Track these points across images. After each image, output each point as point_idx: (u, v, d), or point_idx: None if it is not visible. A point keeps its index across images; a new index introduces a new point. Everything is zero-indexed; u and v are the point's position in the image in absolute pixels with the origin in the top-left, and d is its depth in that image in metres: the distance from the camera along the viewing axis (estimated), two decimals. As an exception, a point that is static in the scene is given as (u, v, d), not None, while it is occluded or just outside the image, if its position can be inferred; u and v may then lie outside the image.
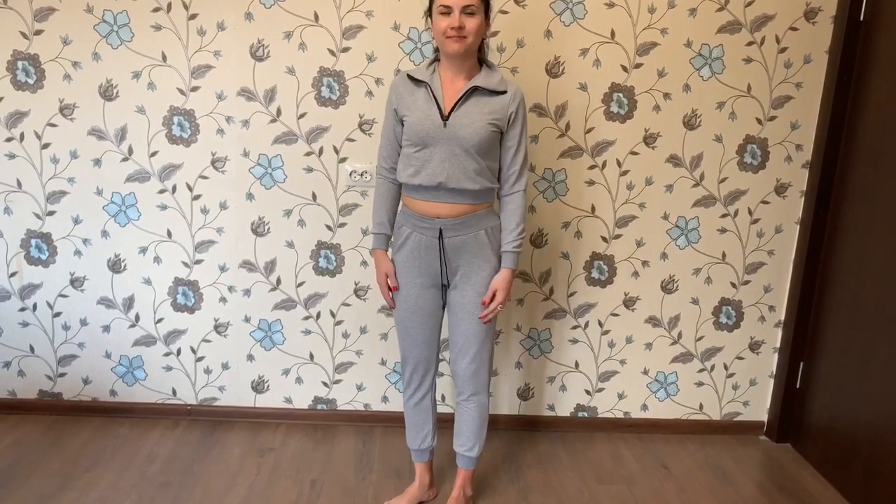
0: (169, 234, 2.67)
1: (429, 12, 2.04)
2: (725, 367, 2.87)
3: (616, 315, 2.80)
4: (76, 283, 2.72)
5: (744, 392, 2.90)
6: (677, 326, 2.82)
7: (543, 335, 2.81)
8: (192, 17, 2.48)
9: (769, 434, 2.90)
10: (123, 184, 2.62)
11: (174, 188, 2.63)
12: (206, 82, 2.54)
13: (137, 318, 2.75)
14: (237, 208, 2.65)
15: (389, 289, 2.18)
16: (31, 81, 2.53)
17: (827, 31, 2.56)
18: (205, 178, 2.62)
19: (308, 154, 2.61)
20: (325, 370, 2.82)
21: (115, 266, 2.70)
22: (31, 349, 2.77)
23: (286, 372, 2.82)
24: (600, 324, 2.81)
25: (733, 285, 2.79)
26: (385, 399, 2.85)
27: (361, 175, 2.61)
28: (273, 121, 2.58)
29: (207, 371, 2.81)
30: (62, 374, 2.80)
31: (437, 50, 2.07)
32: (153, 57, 2.52)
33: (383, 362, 2.81)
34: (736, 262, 2.77)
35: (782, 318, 2.83)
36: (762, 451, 2.81)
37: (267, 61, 2.52)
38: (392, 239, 2.19)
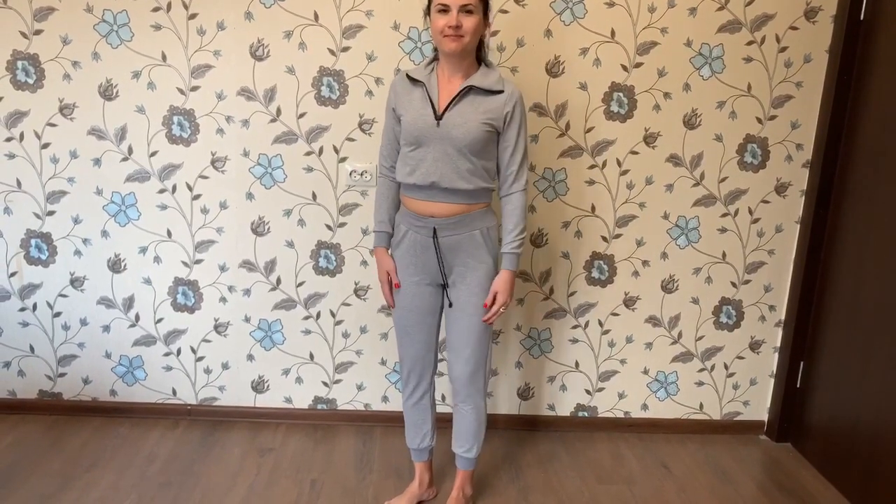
0: (169, 233, 2.67)
1: (428, 11, 2.03)
2: (726, 367, 2.87)
3: (616, 315, 2.80)
4: (76, 282, 2.71)
5: (744, 392, 2.90)
6: (677, 326, 2.82)
7: (543, 335, 2.81)
8: (192, 16, 2.48)
9: (769, 434, 2.90)
10: (123, 183, 2.62)
11: (174, 188, 2.63)
12: (206, 82, 2.54)
13: (137, 317, 2.75)
14: (237, 208, 2.65)
15: (391, 287, 2.19)
16: (30, 81, 2.53)
17: (827, 30, 2.56)
18: (205, 177, 2.62)
19: (308, 154, 2.60)
20: (325, 370, 2.82)
21: (115, 266, 2.70)
22: (31, 349, 2.77)
23: (286, 372, 2.81)
24: (600, 323, 2.81)
25: (733, 285, 2.79)
26: (385, 399, 2.85)
27: (361, 175, 2.61)
28: (273, 120, 2.58)
29: (207, 371, 2.81)
30: (62, 374, 2.80)
31: (436, 49, 2.07)
32: (153, 56, 2.52)
33: (383, 362, 2.81)
34: (736, 261, 2.77)
35: (782, 317, 2.83)
36: (762, 451, 2.81)
37: (267, 61, 2.52)
38: (392, 237, 2.20)
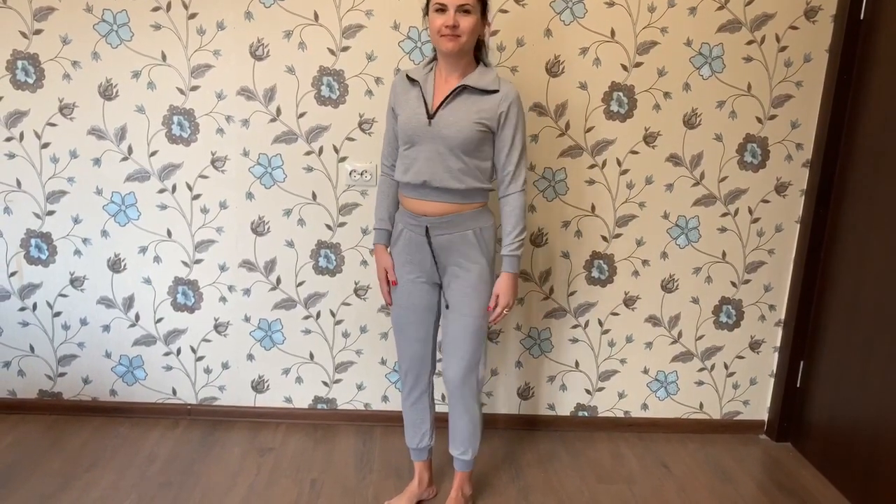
0: (169, 233, 2.67)
1: (426, 10, 2.03)
2: (726, 367, 2.87)
3: (616, 314, 2.80)
4: (76, 282, 2.71)
5: (744, 391, 2.90)
6: (677, 325, 2.82)
7: (543, 334, 2.81)
8: (192, 16, 2.48)
9: (769, 433, 2.90)
10: (123, 183, 2.62)
11: (174, 188, 2.63)
12: (206, 82, 2.54)
13: (137, 317, 2.75)
14: (237, 208, 2.65)
15: (389, 285, 2.21)
16: (30, 81, 2.53)
17: (827, 29, 2.56)
18: (204, 177, 2.62)
19: (308, 153, 2.60)
20: (325, 370, 2.82)
21: (115, 266, 2.70)
22: (31, 349, 2.77)
23: (286, 371, 2.82)
24: (600, 323, 2.81)
25: (733, 284, 2.79)
26: (385, 398, 2.85)
27: (361, 174, 2.61)
28: (273, 120, 2.58)
29: (207, 371, 2.81)
30: (62, 374, 2.80)
31: (436, 49, 2.07)
32: (153, 56, 2.52)
33: (383, 362, 2.81)
34: (736, 261, 2.77)
35: (782, 317, 2.83)
36: (762, 451, 2.81)
37: (267, 60, 2.52)
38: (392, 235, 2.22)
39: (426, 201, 2.07)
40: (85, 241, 2.67)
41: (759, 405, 2.92)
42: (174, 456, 2.58)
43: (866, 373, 2.41)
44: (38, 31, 2.49)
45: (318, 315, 2.76)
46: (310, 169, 2.62)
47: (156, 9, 2.47)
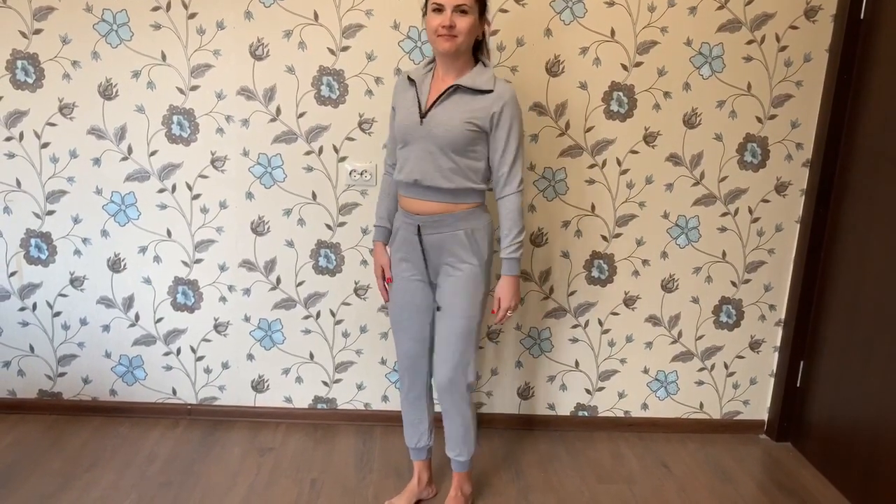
0: (169, 233, 2.67)
1: (425, 9, 2.03)
2: (726, 366, 2.87)
3: (616, 314, 2.80)
4: (76, 282, 2.71)
5: (744, 391, 2.90)
6: (677, 325, 2.82)
7: (543, 334, 2.81)
8: (192, 16, 2.48)
9: (769, 433, 2.90)
10: (123, 183, 2.62)
11: (174, 187, 2.63)
12: (206, 81, 2.54)
13: (137, 317, 2.75)
14: (237, 207, 2.65)
15: (385, 282, 2.24)
16: (30, 81, 2.53)
17: (827, 29, 2.56)
18: (204, 177, 2.62)
19: (308, 153, 2.60)
20: (325, 369, 2.82)
21: (115, 265, 2.70)
22: (31, 349, 2.77)
23: (286, 371, 2.81)
24: (600, 323, 2.81)
25: (733, 284, 2.79)
26: (385, 398, 2.85)
27: (361, 174, 2.61)
28: (273, 120, 2.57)
29: (207, 370, 2.81)
30: (62, 374, 2.80)
31: None
32: (152, 56, 2.51)
33: (383, 361, 2.81)
34: (736, 260, 2.77)
35: (782, 316, 2.83)
36: (762, 450, 2.81)
37: (266, 60, 2.52)
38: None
39: (418, 200, 2.08)
40: (85, 240, 2.67)
41: (759, 405, 2.92)
42: (174, 456, 2.58)
43: (866, 373, 2.40)
44: (37, 31, 2.49)
45: (318, 315, 2.76)
46: (310, 169, 2.62)
47: (155, 8, 2.47)
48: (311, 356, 2.80)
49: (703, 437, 2.88)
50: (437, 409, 2.38)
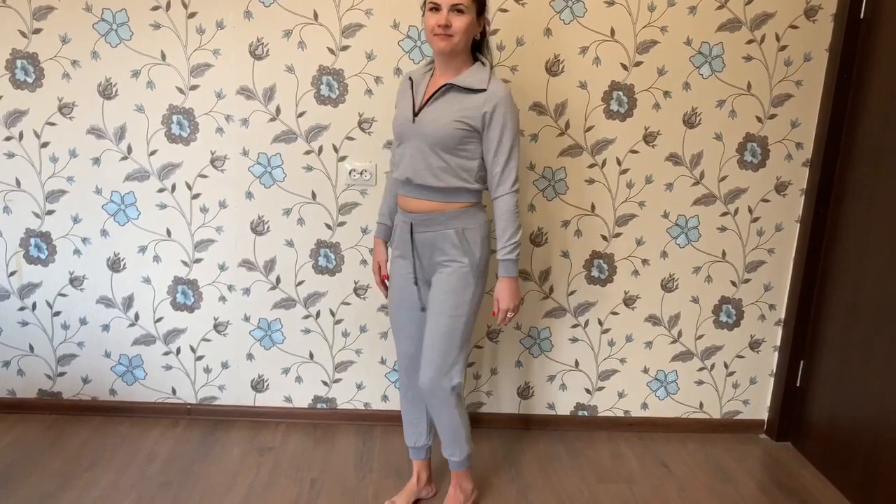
0: (168, 232, 2.67)
1: (424, 8, 2.04)
2: (725, 366, 2.87)
3: (616, 314, 2.80)
4: (75, 282, 2.71)
5: (744, 391, 2.90)
6: (677, 325, 2.82)
7: (543, 334, 2.81)
8: (191, 15, 2.48)
9: (769, 432, 2.90)
10: (122, 183, 2.62)
11: (173, 187, 2.63)
12: (206, 81, 2.54)
13: (137, 317, 2.75)
14: (236, 207, 2.65)
15: (381, 278, 2.27)
16: (29, 80, 2.53)
17: (827, 28, 2.56)
18: (204, 176, 2.62)
19: (307, 153, 2.60)
20: (324, 369, 2.82)
21: (115, 265, 2.70)
22: (31, 348, 2.77)
23: (286, 371, 2.81)
24: (600, 322, 2.81)
25: (733, 284, 2.79)
26: (385, 398, 2.85)
27: (361, 174, 2.61)
28: (272, 119, 2.57)
29: (207, 370, 2.81)
30: (62, 374, 2.80)
31: None
32: (152, 55, 2.51)
33: (383, 361, 2.81)
34: (736, 260, 2.77)
35: (782, 316, 2.83)
36: (762, 450, 2.81)
37: (266, 60, 2.52)
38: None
39: (411, 198, 2.09)
40: (84, 240, 2.67)
41: (758, 405, 2.92)
42: (174, 455, 2.58)
43: (866, 372, 2.40)
44: (37, 31, 2.49)
45: (318, 314, 2.76)
46: (309, 168, 2.62)
47: (155, 8, 2.47)
48: (311, 356, 2.80)
49: (703, 437, 2.87)
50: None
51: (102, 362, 2.79)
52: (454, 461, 2.27)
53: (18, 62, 2.51)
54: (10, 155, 2.59)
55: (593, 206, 2.69)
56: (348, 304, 2.75)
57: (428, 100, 2.03)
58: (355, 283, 2.73)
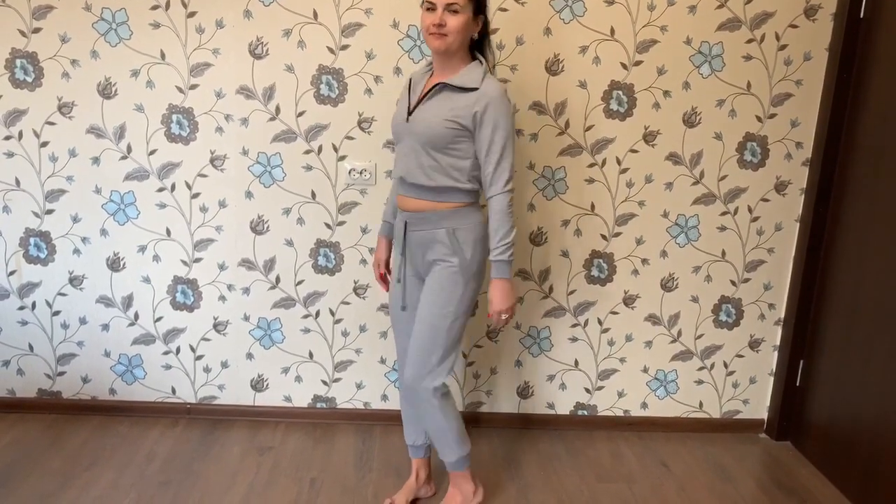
0: (168, 232, 2.67)
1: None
2: (725, 365, 2.87)
3: (616, 313, 2.80)
4: (75, 281, 2.71)
5: (744, 390, 2.90)
6: (677, 324, 2.82)
7: (543, 333, 2.81)
8: (191, 14, 2.48)
9: (769, 432, 2.90)
10: (122, 182, 2.62)
11: (173, 186, 2.63)
12: (205, 80, 2.54)
13: (136, 316, 2.75)
14: (236, 206, 2.65)
15: (385, 274, 2.30)
16: (29, 80, 2.53)
17: (827, 28, 2.56)
18: (204, 176, 2.62)
19: (307, 152, 2.60)
20: (324, 368, 2.82)
21: (114, 264, 2.70)
22: (31, 348, 2.77)
23: (285, 370, 2.81)
24: (600, 322, 2.81)
25: (733, 283, 2.79)
26: (385, 397, 2.85)
27: (361, 173, 2.61)
28: (272, 119, 2.57)
29: (207, 370, 2.81)
30: (61, 373, 2.80)
31: None
32: (152, 55, 2.51)
33: (383, 361, 2.81)
34: (736, 259, 2.77)
35: (782, 315, 2.83)
36: (762, 449, 2.81)
37: (266, 59, 2.52)
38: None
39: (405, 197, 2.10)
40: (84, 239, 2.67)
41: (758, 404, 2.92)
42: (173, 455, 2.58)
43: (866, 372, 2.40)
44: (36, 30, 2.49)
45: (318, 314, 2.76)
46: (309, 168, 2.61)
47: (155, 7, 2.47)
48: (311, 355, 2.80)
49: (703, 437, 2.87)
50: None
51: (102, 362, 2.79)
52: (447, 462, 2.25)
53: (18, 61, 2.51)
54: (10, 154, 2.59)
55: (593, 206, 2.69)
56: (348, 303, 2.75)
57: (421, 99, 2.03)
58: (355, 283, 2.73)
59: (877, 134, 2.40)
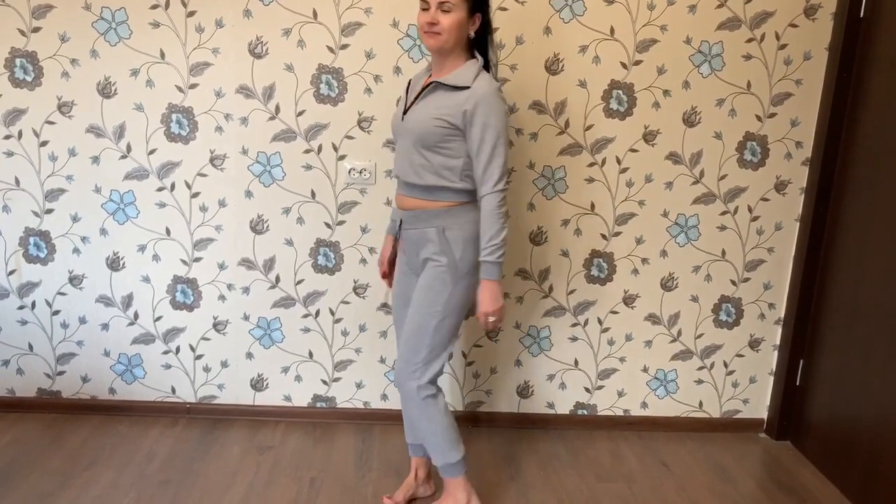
0: (168, 231, 2.67)
1: None
2: (725, 365, 2.87)
3: (616, 313, 2.80)
4: (75, 281, 2.71)
5: (743, 390, 2.90)
6: (677, 324, 2.82)
7: (543, 333, 2.81)
8: (191, 14, 2.48)
9: (769, 432, 2.90)
10: (122, 181, 2.62)
11: (173, 186, 2.63)
12: (205, 80, 2.53)
13: (136, 316, 2.75)
14: (236, 206, 2.65)
15: (389, 271, 2.30)
16: (28, 79, 2.53)
17: (827, 27, 2.56)
18: (203, 175, 2.62)
19: (307, 151, 2.60)
20: (324, 368, 2.82)
21: (114, 264, 2.70)
22: (30, 347, 2.77)
23: (285, 370, 2.81)
24: (600, 321, 2.80)
25: (733, 283, 2.79)
26: (384, 397, 2.85)
27: (360, 172, 2.61)
28: (272, 118, 2.57)
29: (206, 369, 2.81)
30: (61, 373, 2.80)
31: None
32: (151, 54, 2.51)
33: (382, 360, 2.81)
34: (736, 259, 2.77)
35: (782, 315, 2.83)
36: (762, 449, 2.81)
37: (265, 58, 2.52)
38: None
39: (401, 195, 2.12)
40: (84, 239, 2.67)
41: (758, 403, 2.92)
42: (173, 454, 2.58)
43: (866, 371, 2.40)
44: (36, 29, 2.49)
45: (318, 313, 2.76)
46: (309, 167, 2.61)
47: (154, 7, 2.47)
48: (311, 355, 2.80)
49: (703, 436, 2.87)
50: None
51: (102, 361, 2.79)
52: (437, 466, 2.19)
53: (17, 61, 2.51)
54: (10, 154, 2.59)
55: (593, 205, 2.69)
56: (348, 302, 2.75)
57: (417, 98, 2.04)
58: (355, 282, 2.73)
59: (877, 133, 2.40)
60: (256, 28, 2.49)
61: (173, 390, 2.83)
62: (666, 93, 2.59)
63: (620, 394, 2.88)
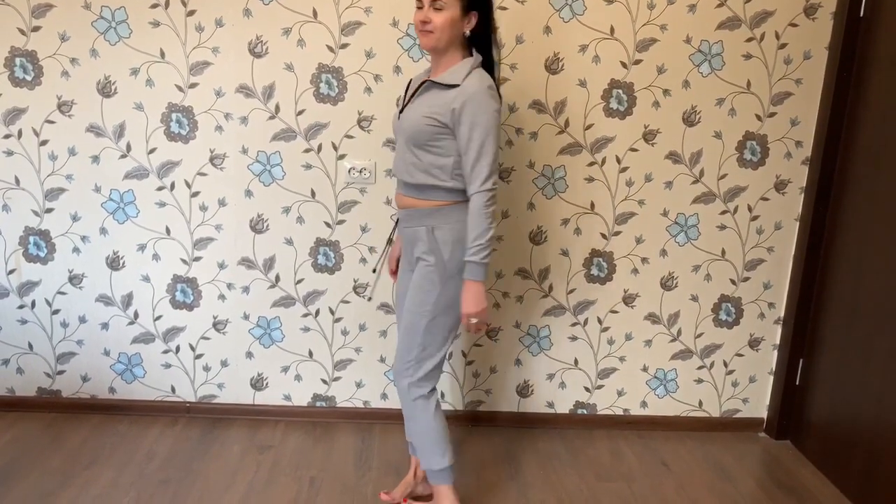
0: (168, 231, 2.67)
1: None
2: (725, 364, 2.87)
3: (615, 312, 2.80)
4: (75, 280, 2.71)
5: (743, 389, 2.90)
6: (677, 323, 2.82)
7: (543, 332, 2.81)
8: (191, 13, 2.48)
9: (769, 431, 2.90)
10: (122, 181, 2.62)
11: (173, 185, 2.63)
12: (205, 79, 2.53)
13: (136, 315, 2.75)
14: (236, 205, 2.65)
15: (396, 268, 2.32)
16: (28, 78, 2.53)
17: (827, 27, 2.56)
18: (203, 175, 2.62)
19: (307, 151, 2.60)
20: (324, 367, 2.82)
21: (114, 263, 2.70)
22: (30, 346, 2.77)
23: (285, 369, 2.81)
24: (599, 321, 2.80)
25: (733, 282, 2.79)
26: (384, 396, 2.85)
27: (360, 172, 2.61)
28: (272, 117, 2.57)
29: (206, 368, 2.81)
30: (61, 372, 2.80)
31: None
32: (151, 53, 2.51)
33: (382, 359, 2.81)
34: (735, 258, 2.77)
35: (782, 314, 2.83)
36: (762, 448, 2.81)
37: (265, 58, 2.52)
38: None
39: (398, 194, 2.13)
40: (83, 238, 2.67)
41: (758, 403, 2.92)
42: (173, 453, 2.58)
43: (866, 371, 2.40)
44: (36, 28, 2.48)
45: (317, 313, 2.76)
46: (309, 166, 2.61)
47: (154, 6, 2.47)
48: (311, 354, 2.80)
49: (703, 436, 2.87)
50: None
51: (101, 360, 2.79)
52: (426, 470, 2.16)
53: (17, 60, 2.51)
54: (9, 153, 2.59)
55: (593, 205, 2.69)
56: (347, 302, 2.75)
57: (411, 97, 2.04)
58: (355, 282, 2.73)
59: (877, 132, 2.40)
60: (256, 27, 2.49)
61: (173, 389, 2.83)
62: (666, 92, 2.59)
63: (620, 393, 2.88)
